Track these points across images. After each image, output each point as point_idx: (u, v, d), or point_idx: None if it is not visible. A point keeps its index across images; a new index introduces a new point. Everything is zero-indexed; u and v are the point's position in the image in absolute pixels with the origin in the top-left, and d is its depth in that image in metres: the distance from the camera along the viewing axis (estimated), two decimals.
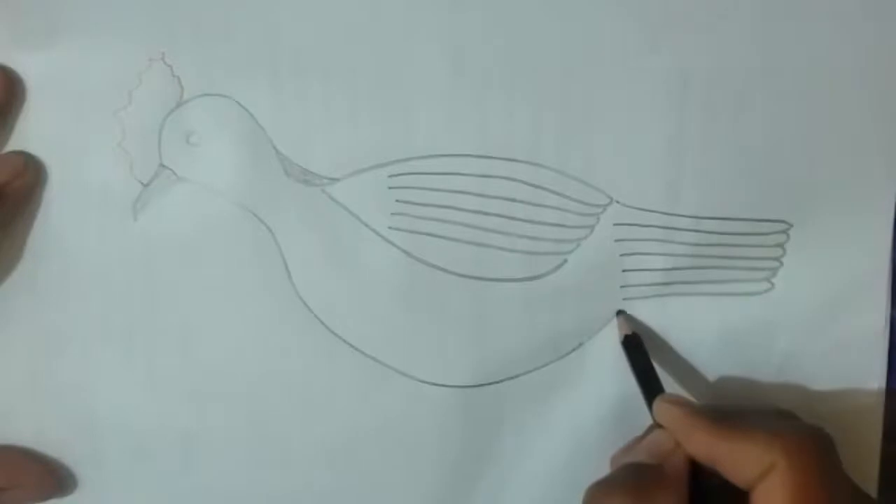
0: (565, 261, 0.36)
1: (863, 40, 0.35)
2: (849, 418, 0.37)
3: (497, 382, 0.37)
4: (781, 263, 0.36)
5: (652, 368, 0.35)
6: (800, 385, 0.37)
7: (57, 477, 0.37)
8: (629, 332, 0.35)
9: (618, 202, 0.36)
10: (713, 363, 0.37)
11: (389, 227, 0.36)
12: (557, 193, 0.36)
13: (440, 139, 0.36)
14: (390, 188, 0.36)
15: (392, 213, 0.36)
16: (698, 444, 0.31)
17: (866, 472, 0.36)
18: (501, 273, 0.37)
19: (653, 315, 0.37)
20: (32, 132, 0.36)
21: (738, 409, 0.34)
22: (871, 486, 0.37)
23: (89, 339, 0.37)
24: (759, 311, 0.36)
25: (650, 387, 0.34)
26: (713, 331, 0.37)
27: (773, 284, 0.36)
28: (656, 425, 0.33)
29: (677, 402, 0.33)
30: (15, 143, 0.36)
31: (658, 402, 0.33)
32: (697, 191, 0.36)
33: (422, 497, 0.38)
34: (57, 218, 0.37)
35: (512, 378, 0.37)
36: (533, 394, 0.37)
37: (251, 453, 0.38)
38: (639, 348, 0.35)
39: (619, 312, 0.36)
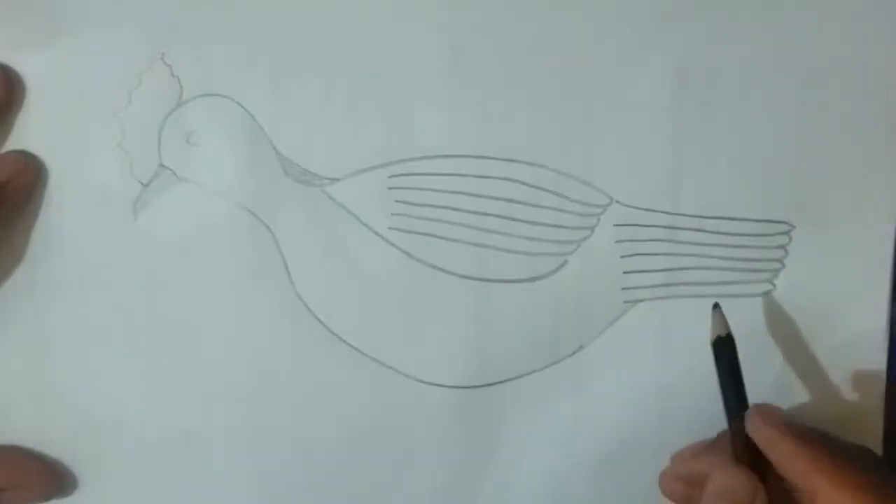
0: (566, 262, 0.36)
1: (865, 37, 0.35)
2: (850, 418, 0.37)
3: (497, 384, 0.37)
4: (783, 265, 0.36)
5: (739, 376, 0.33)
6: (801, 385, 0.37)
7: (57, 477, 0.37)
8: (722, 334, 0.34)
9: (618, 202, 0.36)
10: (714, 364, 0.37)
11: (389, 228, 0.36)
12: (557, 194, 0.36)
13: (440, 140, 0.36)
14: (390, 188, 0.36)
15: (392, 214, 0.36)
16: (791, 469, 0.30)
17: None
18: (502, 274, 0.37)
19: (653, 317, 0.37)
20: (32, 132, 0.36)
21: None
22: None
23: (89, 339, 0.37)
24: (760, 312, 0.36)
25: (734, 395, 0.33)
26: None
27: (774, 286, 0.36)
28: (738, 438, 0.32)
29: (770, 420, 0.32)
30: (15, 142, 0.36)
31: (751, 418, 0.32)
32: (697, 190, 0.36)
33: (420, 497, 0.38)
34: (57, 218, 0.37)
35: (512, 379, 0.37)
36: (533, 395, 0.37)
37: (251, 453, 0.38)
38: (731, 350, 0.33)
39: (715, 306, 0.35)
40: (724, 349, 0.33)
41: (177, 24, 0.36)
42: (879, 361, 0.36)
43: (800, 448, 0.30)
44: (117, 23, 0.36)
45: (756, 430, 0.32)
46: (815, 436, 0.31)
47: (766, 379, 0.37)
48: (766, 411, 0.33)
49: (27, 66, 0.36)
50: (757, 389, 0.36)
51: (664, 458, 0.37)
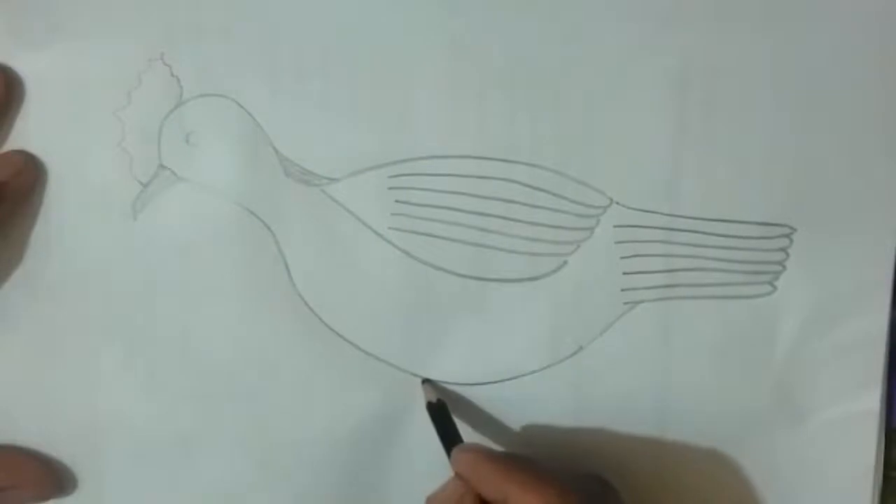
0: (565, 262, 0.36)
1: (867, 40, 0.35)
2: (849, 421, 0.36)
3: (495, 383, 0.37)
4: (784, 267, 0.36)
5: (455, 430, 0.36)
6: (800, 388, 0.37)
7: (57, 477, 0.38)
8: (433, 399, 0.36)
9: (618, 203, 0.36)
10: (714, 366, 0.37)
11: (389, 228, 0.36)
12: (556, 195, 0.36)
13: (440, 140, 0.36)
14: (390, 188, 0.36)
15: (392, 214, 0.36)
16: (487, 483, 0.32)
17: (865, 477, 0.36)
18: (501, 274, 0.36)
19: (654, 318, 0.36)
20: (32, 132, 0.36)
21: (532, 456, 0.35)
22: (870, 491, 0.37)
23: (89, 338, 0.37)
24: (760, 314, 0.36)
25: (452, 443, 0.35)
26: (714, 334, 0.36)
27: (775, 287, 0.36)
28: (456, 475, 0.34)
29: (471, 449, 0.34)
30: (15, 142, 0.36)
31: (454, 452, 0.34)
32: (698, 192, 0.36)
33: (420, 496, 0.38)
34: (57, 218, 0.37)
35: (510, 379, 0.37)
36: (531, 395, 0.37)
37: (251, 453, 0.38)
38: (444, 414, 0.36)
39: (425, 381, 0.37)
40: (439, 413, 0.36)
41: (176, 24, 0.36)
42: (880, 364, 0.36)
43: (493, 465, 0.33)
44: (117, 23, 0.36)
45: (457, 461, 0.34)
46: (512, 457, 0.34)
47: (766, 381, 0.37)
48: (466, 445, 0.35)
49: (27, 66, 0.36)
50: (756, 392, 0.37)
51: (663, 459, 0.37)
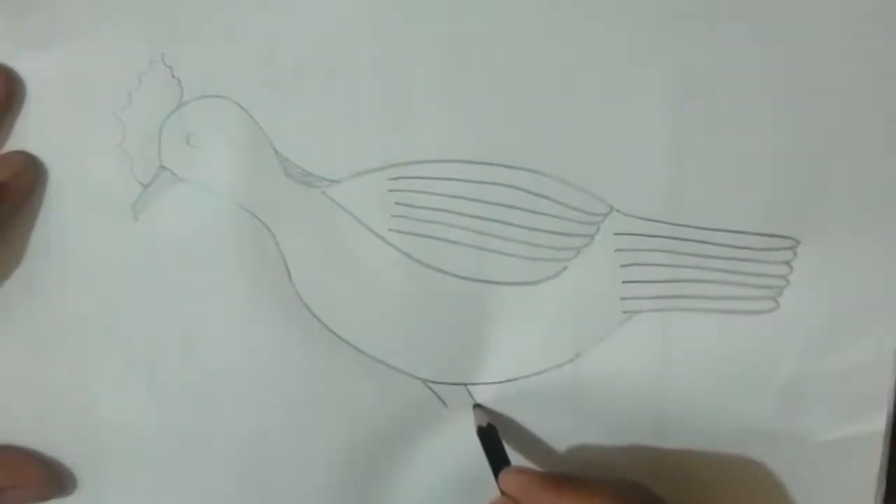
0: (565, 268, 0.36)
1: (871, 45, 0.33)
2: (853, 441, 0.36)
3: (495, 383, 0.37)
4: (788, 282, 0.35)
5: (504, 454, 0.36)
6: (803, 407, 0.36)
7: (57, 477, 0.38)
8: (483, 424, 0.36)
9: (618, 211, 0.35)
10: (713, 381, 0.36)
11: (390, 230, 0.36)
12: (557, 201, 0.35)
13: (440, 143, 0.35)
14: (390, 190, 0.36)
15: (392, 216, 0.36)
16: (538, 501, 0.33)
17: (871, 496, 0.36)
18: (501, 276, 0.36)
19: (652, 329, 0.36)
20: (32, 132, 0.36)
21: (580, 475, 0.35)
22: None
23: (89, 339, 0.38)
24: (763, 331, 0.35)
25: (499, 465, 0.36)
26: (715, 348, 0.36)
27: (778, 303, 0.35)
28: (501, 492, 0.35)
29: (520, 470, 0.35)
30: (15, 143, 0.37)
31: (503, 473, 0.35)
32: (699, 200, 0.35)
33: (420, 497, 0.38)
34: (57, 218, 0.37)
35: (510, 381, 0.37)
36: (531, 398, 0.37)
37: (251, 453, 0.38)
38: (494, 438, 0.36)
39: (476, 406, 0.37)
40: (489, 437, 0.36)
41: (177, 25, 0.36)
42: (886, 383, 0.35)
43: (542, 482, 0.34)
44: (117, 23, 0.36)
45: (506, 481, 0.35)
46: (558, 474, 0.34)
47: (767, 399, 0.36)
48: (514, 467, 0.35)
49: (27, 66, 0.36)
50: (756, 410, 0.36)
51: (660, 472, 0.37)
